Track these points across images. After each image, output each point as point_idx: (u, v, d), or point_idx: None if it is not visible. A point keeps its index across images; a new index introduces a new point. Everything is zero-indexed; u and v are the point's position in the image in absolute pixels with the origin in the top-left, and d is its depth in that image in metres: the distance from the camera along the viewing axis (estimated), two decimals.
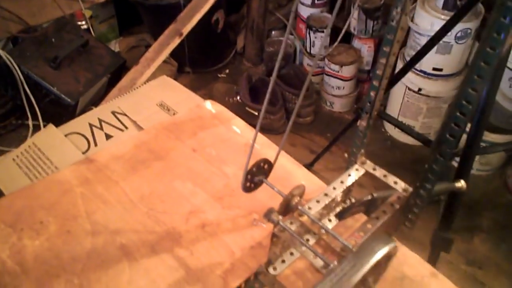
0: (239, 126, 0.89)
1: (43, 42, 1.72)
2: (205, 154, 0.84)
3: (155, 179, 0.79)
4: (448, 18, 1.41)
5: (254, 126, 1.78)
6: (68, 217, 0.71)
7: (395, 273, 0.68)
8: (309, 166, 1.65)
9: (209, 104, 0.94)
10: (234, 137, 0.87)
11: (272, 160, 0.65)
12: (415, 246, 0.79)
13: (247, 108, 1.75)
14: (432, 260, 1.13)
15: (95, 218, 0.72)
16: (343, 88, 1.84)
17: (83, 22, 1.97)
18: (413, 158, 1.75)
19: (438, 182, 0.70)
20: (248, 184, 0.65)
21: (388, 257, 0.56)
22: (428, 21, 1.50)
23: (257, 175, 0.66)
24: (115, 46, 2.13)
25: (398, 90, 1.69)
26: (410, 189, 0.70)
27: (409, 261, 0.72)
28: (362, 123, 0.70)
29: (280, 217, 0.62)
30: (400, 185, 0.70)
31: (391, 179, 0.71)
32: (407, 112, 1.72)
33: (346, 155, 1.79)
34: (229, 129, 0.88)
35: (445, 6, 1.48)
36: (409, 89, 1.64)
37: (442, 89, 1.62)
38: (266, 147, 0.85)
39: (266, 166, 0.67)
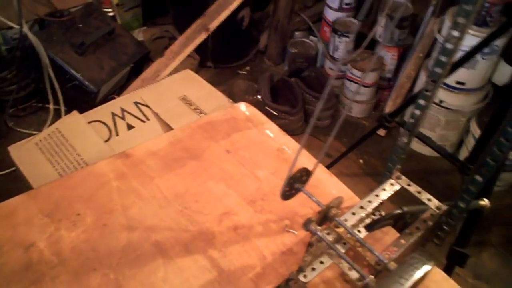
0: (272, 130, 0.90)
1: (70, 27, 1.73)
2: (238, 156, 0.85)
3: (189, 177, 0.80)
4: (476, 33, 1.43)
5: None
6: (105, 210, 0.73)
7: None
8: None
9: (243, 106, 0.95)
10: (267, 141, 0.88)
11: (310, 168, 0.66)
12: None
13: (266, 108, 1.75)
14: (447, 274, 1.15)
15: (131, 213, 0.73)
16: (363, 94, 1.85)
17: (110, 9, 1.98)
18: (429, 169, 1.76)
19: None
20: (288, 191, 0.66)
21: (424, 276, 0.58)
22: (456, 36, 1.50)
23: (296, 183, 0.67)
24: (138, 35, 2.13)
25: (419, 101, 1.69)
26: (444, 207, 0.71)
27: (434, 277, 0.73)
28: (403, 140, 0.71)
29: (318, 227, 0.63)
30: (434, 203, 0.71)
31: (424, 196, 0.72)
32: (425, 122, 1.72)
33: (361, 161, 1.80)
34: (262, 133, 0.89)
35: (474, 22, 1.48)
36: None
37: (463, 103, 1.63)
38: (300, 155, 0.86)
39: (304, 175, 0.68)
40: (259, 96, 1.78)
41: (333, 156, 1.68)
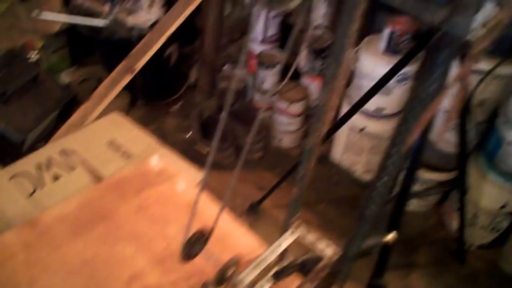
0: (183, 183, 0.92)
1: None
2: (148, 214, 0.86)
3: (98, 241, 0.81)
4: (389, 61, 1.51)
5: (203, 164, 1.80)
6: (10, 285, 0.72)
7: None
8: (257, 205, 1.70)
9: (155, 160, 0.97)
10: (178, 194, 0.90)
11: (213, 220, 0.69)
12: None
13: (197, 145, 1.78)
14: None
15: (37, 286, 0.73)
16: (292, 124, 1.90)
17: (34, 53, 1.96)
18: (358, 194, 1.83)
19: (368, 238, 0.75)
20: (186, 254, 0.68)
21: None
22: (370, 64, 1.58)
23: (196, 244, 0.70)
24: (66, 77, 2.12)
25: (342, 129, 1.76)
26: (340, 252, 0.75)
27: None
28: (296, 192, 0.74)
29: None
30: (331, 249, 0.75)
31: (323, 244, 0.75)
32: (351, 149, 1.79)
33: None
34: (173, 187, 0.91)
35: (386, 50, 1.56)
36: (353, 128, 1.72)
37: (384, 128, 1.71)
38: (208, 205, 0.88)
39: (205, 235, 0.71)
40: (189, 135, 1.80)
41: (266, 188, 1.72)
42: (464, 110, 1.11)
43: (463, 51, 0.47)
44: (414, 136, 0.56)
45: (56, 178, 1.33)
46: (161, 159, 0.97)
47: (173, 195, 0.90)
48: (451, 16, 0.44)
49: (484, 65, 1.34)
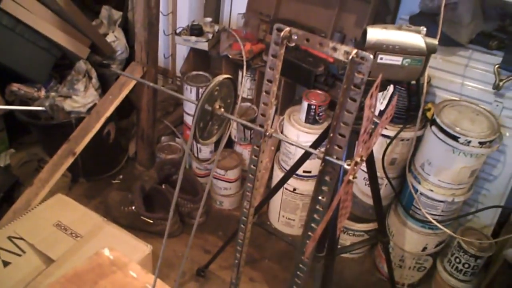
0: (135, 270, 1.02)
1: None
2: None
3: None
4: (310, 130, 1.69)
5: (150, 233, 1.86)
6: None
7: None
8: (204, 268, 1.79)
9: (107, 251, 1.06)
10: (132, 282, 1.00)
11: None
12: None
13: (142, 218, 1.86)
14: None
15: None
16: (230, 188, 2.04)
17: None
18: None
19: None
20: None
21: None
22: (294, 133, 1.76)
23: None
24: (5, 159, 2.14)
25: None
26: None
27: None
28: (233, 276, 0.87)
29: None
30: None
31: None
32: (287, 207, 1.95)
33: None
34: (126, 275, 1.01)
35: (307, 121, 1.75)
36: (286, 189, 1.88)
37: (313, 188, 1.88)
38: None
39: None
40: (133, 207, 1.89)
41: (211, 252, 1.82)
42: (373, 169, 1.29)
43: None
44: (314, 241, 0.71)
45: (6, 264, 1.38)
46: (112, 249, 1.07)
47: (127, 283, 1.00)
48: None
49: (390, 131, 1.56)
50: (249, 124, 0.80)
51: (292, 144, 1.69)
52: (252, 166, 0.87)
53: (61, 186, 1.99)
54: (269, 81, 0.75)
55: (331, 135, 0.73)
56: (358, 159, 0.71)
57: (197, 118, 0.74)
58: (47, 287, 1.01)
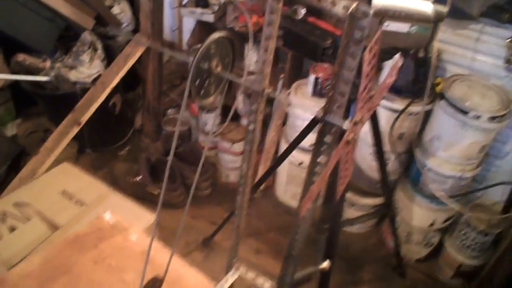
0: (135, 234, 1.02)
1: None
2: (105, 265, 0.95)
3: None
4: (318, 103, 1.66)
5: (155, 204, 1.87)
6: None
7: None
8: (210, 239, 1.80)
9: (108, 215, 1.06)
10: (131, 246, 1.00)
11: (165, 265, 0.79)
12: None
13: (147, 189, 1.86)
14: None
15: None
16: (236, 161, 2.03)
17: None
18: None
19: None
20: None
21: None
22: (301, 106, 1.74)
23: None
24: (12, 129, 2.15)
25: (283, 163, 1.90)
26: (275, 285, 0.87)
27: None
28: (236, 234, 0.86)
29: None
30: (268, 283, 0.87)
31: (260, 280, 0.87)
32: (293, 181, 1.93)
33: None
34: (126, 239, 1.01)
35: (314, 94, 1.72)
36: (292, 163, 1.86)
37: None
38: (160, 252, 0.98)
39: (159, 280, 0.81)
40: (139, 178, 1.89)
41: (217, 223, 1.82)
42: (379, 143, 1.26)
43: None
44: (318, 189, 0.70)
45: (12, 229, 1.39)
46: (114, 213, 1.06)
47: (126, 246, 0.99)
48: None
49: (398, 105, 1.53)
50: (246, 84, 0.78)
51: (289, 105, 1.67)
52: (249, 127, 0.85)
53: (67, 156, 1.99)
54: (267, 38, 0.73)
55: (330, 94, 0.71)
56: (358, 119, 0.69)
57: (193, 75, 0.72)
58: (48, 249, 1.01)
